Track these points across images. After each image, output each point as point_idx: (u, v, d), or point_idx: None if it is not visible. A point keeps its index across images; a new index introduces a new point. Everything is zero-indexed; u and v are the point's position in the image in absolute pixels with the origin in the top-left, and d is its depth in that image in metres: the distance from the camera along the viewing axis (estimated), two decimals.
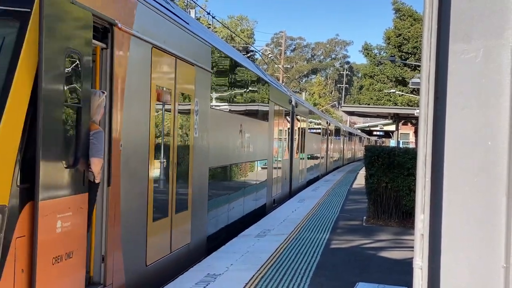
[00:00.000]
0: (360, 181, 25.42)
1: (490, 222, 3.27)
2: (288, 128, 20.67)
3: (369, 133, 71.53)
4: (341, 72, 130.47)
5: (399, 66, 66.60)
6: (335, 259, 10.11)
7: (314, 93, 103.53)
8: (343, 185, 25.80)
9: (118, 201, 6.60)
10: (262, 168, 16.05)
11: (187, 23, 9.35)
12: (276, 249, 10.55)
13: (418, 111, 3.31)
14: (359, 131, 71.73)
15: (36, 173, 4.83)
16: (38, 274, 4.88)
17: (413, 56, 64.08)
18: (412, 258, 3.29)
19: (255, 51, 58.13)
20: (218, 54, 11.21)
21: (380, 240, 12.23)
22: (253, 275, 8.53)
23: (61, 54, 5.20)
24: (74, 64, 5.44)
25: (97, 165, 5.79)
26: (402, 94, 61.58)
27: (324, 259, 9.94)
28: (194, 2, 41.65)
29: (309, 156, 27.08)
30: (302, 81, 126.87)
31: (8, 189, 4.66)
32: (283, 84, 41.41)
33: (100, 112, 6.02)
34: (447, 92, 3.32)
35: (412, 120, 37.01)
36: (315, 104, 77.85)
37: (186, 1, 60.28)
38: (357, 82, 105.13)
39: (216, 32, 66.72)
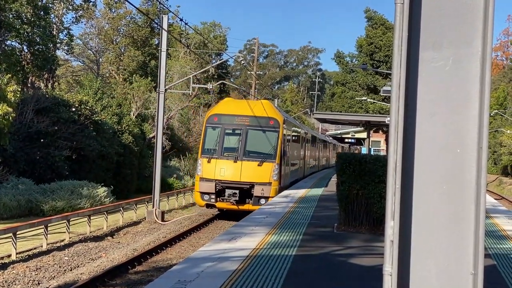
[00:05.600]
0: (331, 187, 25.56)
1: (459, 229, 3.29)
2: (302, 145, 37.70)
3: (341, 140, 72.07)
4: (313, 79, 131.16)
5: (370, 74, 67.22)
6: (306, 266, 10.12)
7: (286, 100, 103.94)
8: (315, 192, 25.91)
9: (283, 165, 27.38)
10: (297, 164, 35.08)
11: (288, 118, 32.59)
12: (247, 256, 10.52)
13: (389, 118, 3.32)
14: (333, 139, 72.43)
15: (281, 159, 26.04)
16: (281, 175, 26.60)
17: (384, 64, 64.73)
18: (382, 264, 3.30)
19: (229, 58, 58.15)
20: (292, 125, 31.29)
21: (351, 247, 12.28)
22: (224, 282, 8.50)
23: (285, 139, 27.61)
24: (289, 140, 29.92)
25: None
26: (374, 102, 62.11)
27: (295, 266, 9.94)
28: (167, 8, 41.48)
29: (310, 159, 44.92)
30: (274, 87, 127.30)
31: (278, 161, 25.62)
32: (256, 90, 51.89)
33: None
34: (417, 100, 3.34)
35: (383, 128, 37.50)
36: (287, 111, 78.15)
37: (158, 7, 60.07)
38: (329, 90, 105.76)
39: (189, 38, 66.62)
